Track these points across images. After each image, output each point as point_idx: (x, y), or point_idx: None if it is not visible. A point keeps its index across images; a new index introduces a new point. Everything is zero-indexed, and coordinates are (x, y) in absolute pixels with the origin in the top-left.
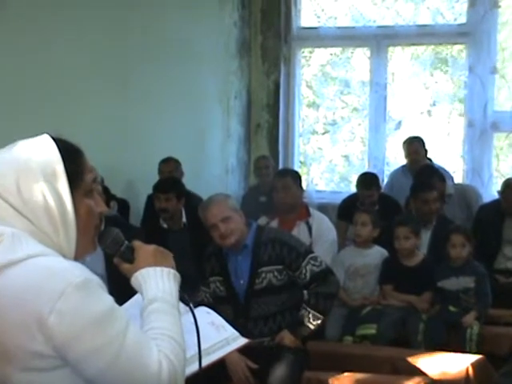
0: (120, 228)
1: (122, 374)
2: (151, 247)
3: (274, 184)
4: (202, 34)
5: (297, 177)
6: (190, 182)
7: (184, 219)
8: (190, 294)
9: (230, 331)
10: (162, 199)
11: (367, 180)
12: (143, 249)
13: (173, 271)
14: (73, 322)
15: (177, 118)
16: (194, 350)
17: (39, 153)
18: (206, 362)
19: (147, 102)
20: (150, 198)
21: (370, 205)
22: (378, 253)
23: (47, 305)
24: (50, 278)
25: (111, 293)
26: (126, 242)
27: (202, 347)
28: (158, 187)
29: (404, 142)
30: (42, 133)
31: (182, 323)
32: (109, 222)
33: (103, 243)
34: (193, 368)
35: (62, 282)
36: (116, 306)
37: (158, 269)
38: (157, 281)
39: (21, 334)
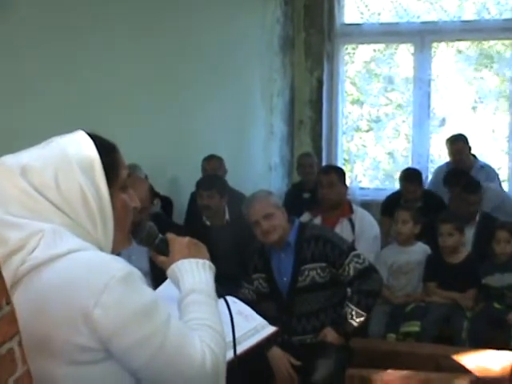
0: (162, 225)
1: (166, 365)
2: (185, 239)
3: (318, 180)
4: (244, 32)
5: (341, 173)
6: (233, 179)
7: (227, 216)
8: (232, 290)
9: (258, 320)
10: (205, 196)
11: (410, 175)
12: (177, 241)
13: (208, 262)
14: (117, 315)
15: (220, 115)
16: (227, 339)
17: (76, 148)
18: (237, 351)
19: (190, 101)
20: (193, 196)
21: (413, 201)
22: (420, 250)
23: (92, 298)
24: (93, 272)
25: (155, 288)
26: (160, 235)
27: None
28: (200, 184)
29: (447, 141)
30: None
31: (220, 313)
32: (152, 219)
33: (138, 237)
34: (227, 356)
35: (105, 275)
36: (158, 298)
37: (194, 260)
38: (193, 272)
39: (66, 327)
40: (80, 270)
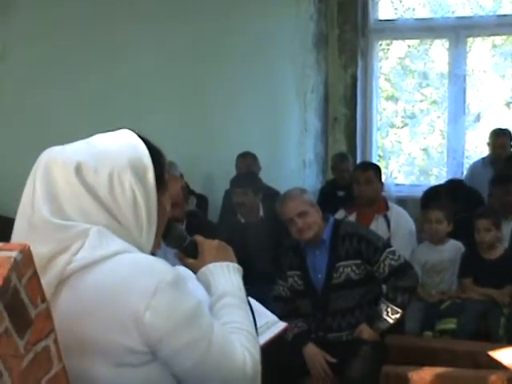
0: (197, 223)
1: (210, 368)
2: (214, 242)
3: (355, 177)
4: (278, 29)
5: (378, 170)
6: (267, 177)
7: (261, 213)
8: (267, 287)
9: (270, 316)
10: (239, 193)
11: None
12: (206, 244)
13: (236, 265)
14: (168, 318)
15: (254, 112)
16: None
17: (132, 152)
18: None
19: (224, 98)
20: (227, 193)
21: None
22: (453, 247)
23: (142, 302)
24: (141, 275)
25: None
26: (189, 238)
27: None
28: (235, 182)
29: (491, 134)
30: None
31: (251, 316)
32: (187, 217)
33: (167, 239)
34: None
35: (155, 278)
36: (201, 301)
37: (224, 264)
38: (224, 276)
39: (114, 330)
40: (128, 273)
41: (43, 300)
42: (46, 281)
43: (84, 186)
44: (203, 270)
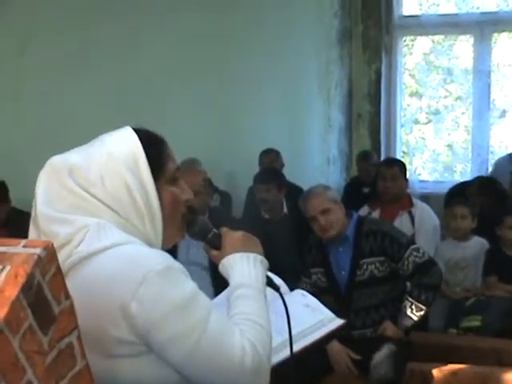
0: (221, 219)
1: (204, 361)
2: (239, 233)
3: (380, 173)
4: (302, 24)
5: (403, 167)
6: (290, 173)
7: (285, 210)
8: (291, 284)
9: (326, 313)
10: (263, 190)
11: None
12: (231, 235)
13: (260, 257)
14: (154, 309)
15: (277, 108)
16: (287, 334)
17: (120, 145)
18: (302, 343)
19: (248, 94)
20: (251, 190)
21: None
22: (477, 244)
23: (129, 292)
24: (133, 265)
25: (215, 283)
26: (214, 230)
27: (298, 329)
28: (258, 178)
29: None
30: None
31: (268, 308)
32: (210, 213)
33: (191, 231)
34: (286, 352)
35: (144, 268)
36: (199, 292)
37: (245, 255)
38: (243, 266)
39: (107, 321)
40: (122, 264)
41: (67, 297)
42: None
43: (80, 186)
44: (223, 261)
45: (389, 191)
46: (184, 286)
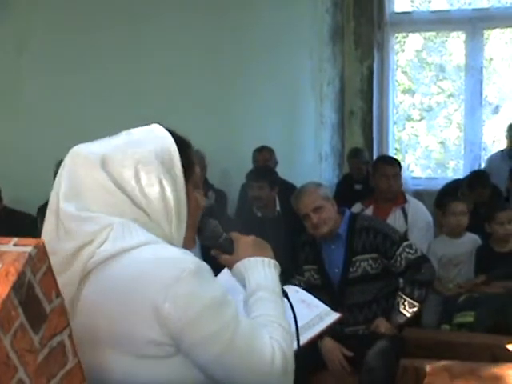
0: (216, 218)
1: (236, 360)
2: (250, 238)
3: (381, 171)
4: (294, 21)
5: (399, 165)
6: (283, 170)
7: (278, 207)
8: (284, 282)
9: (322, 307)
10: (255, 188)
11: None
12: (242, 240)
13: (273, 261)
14: (188, 309)
15: (270, 106)
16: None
17: (158, 143)
18: (302, 339)
19: (240, 91)
20: (244, 187)
21: None
22: (469, 240)
23: (162, 292)
24: (164, 265)
25: None
26: (225, 234)
27: (298, 325)
28: (250, 176)
29: (509, 127)
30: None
31: (286, 310)
32: (205, 212)
33: (202, 235)
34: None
35: (177, 268)
36: (227, 292)
37: (259, 259)
38: (259, 270)
39: (137, 321)
40: (151, 263)
41: (58, 295)
42: (71, 274)
43: (111, 179)
44: (238, 265)
45: (391, 189)
46: (215, 285)
